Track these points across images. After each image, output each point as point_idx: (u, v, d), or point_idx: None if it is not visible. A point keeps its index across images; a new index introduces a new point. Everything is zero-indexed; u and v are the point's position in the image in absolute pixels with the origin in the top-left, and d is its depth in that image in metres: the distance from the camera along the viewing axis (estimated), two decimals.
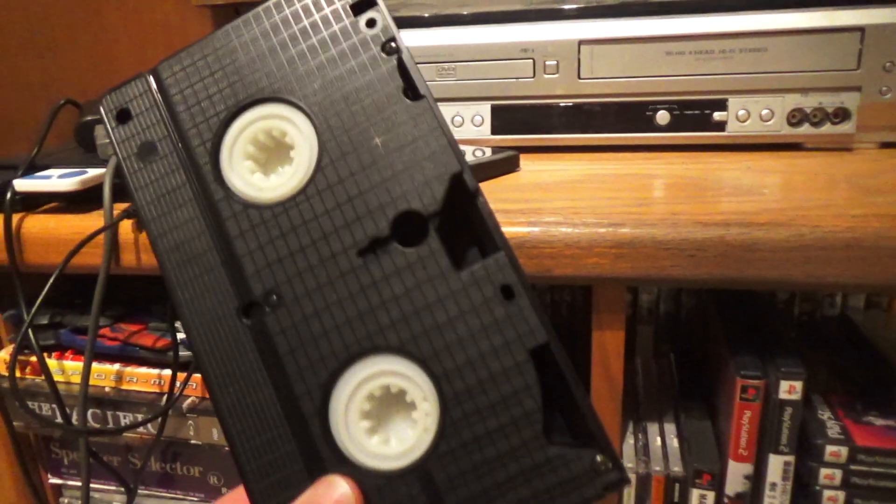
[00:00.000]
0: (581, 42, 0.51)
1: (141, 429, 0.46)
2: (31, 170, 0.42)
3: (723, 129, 0.50)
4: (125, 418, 0.46)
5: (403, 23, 0.55)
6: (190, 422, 0.45)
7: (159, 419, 0.44)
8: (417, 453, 0.21)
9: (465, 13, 0.55)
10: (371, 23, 0.23)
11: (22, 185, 0.40)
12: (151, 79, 0.24)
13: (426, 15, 0.55)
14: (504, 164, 0.48)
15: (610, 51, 0.50)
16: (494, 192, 0.43)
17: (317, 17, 0.23)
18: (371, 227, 0.22)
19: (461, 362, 0.21)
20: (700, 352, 0.52)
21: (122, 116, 0.24)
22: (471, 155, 0.49)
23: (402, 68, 0.23)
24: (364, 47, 0.23)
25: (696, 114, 0.51)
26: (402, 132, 0.22)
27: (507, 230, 0.37)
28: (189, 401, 0.45)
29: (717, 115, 0.50)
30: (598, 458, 0.20)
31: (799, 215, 0.35)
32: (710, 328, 0.49)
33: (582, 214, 0.37)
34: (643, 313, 0.54)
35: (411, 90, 0.22)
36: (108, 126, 0.24)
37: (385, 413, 0.22)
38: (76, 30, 0.54)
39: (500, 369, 0.20)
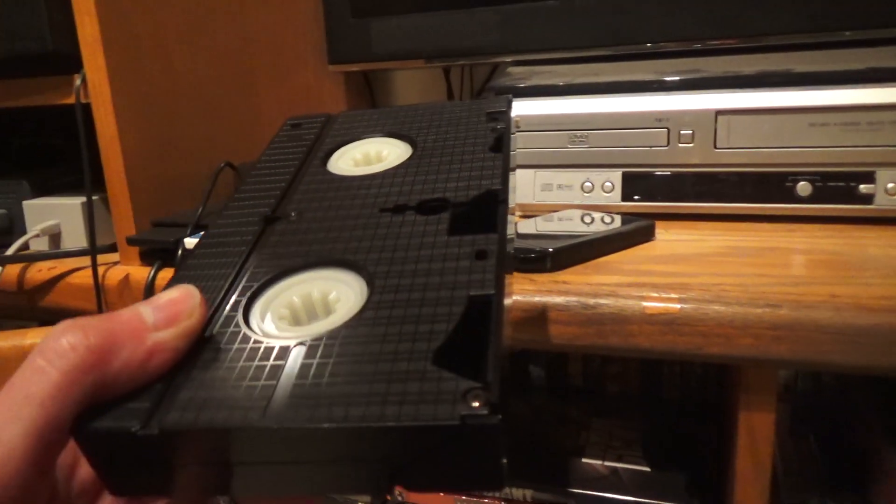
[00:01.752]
0: (718, 112, 0.50)
1: None
2: (198, 228, 0.46)
3: (870, 202, 0.49)
4: None
5: (536, 91, 0.57)
6: None
7: None
8: (304, 335, 0.22)
9: (598, 82, 0.56)
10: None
11: (191, 242, 0.44)
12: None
13: (560, 84, 0.56)
14: (639, 234, 0.48)
15: (748, 121, 0.50)
16: (633, 264, 0.43)
17: None
18: (403, 200, 0.27)
19: (404, 285, 0.22)
20: (846, 436, 0.49)
21: (295, 126, 0.36)
22: (600, 222, 0.49)
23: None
24: None
25: (840, 185, 0.49)
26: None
27: (657, 305, 0.36)
28: None
29: (864, 188, 0.49)
30: (473, 389, 0.18)
31: None
32: (859, 413, 0.47)
33: (733, 292, 0.36)
34: (780, 390, 0.52)
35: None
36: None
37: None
38: (233, 97, 0.58)
39: (435, 297, 0.21)
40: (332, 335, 0.21)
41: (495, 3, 0.64)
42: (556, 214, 0.53)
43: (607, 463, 0.50)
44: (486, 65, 0.82)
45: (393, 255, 0.24)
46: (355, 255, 0.24)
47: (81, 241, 0.54)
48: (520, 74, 0.62)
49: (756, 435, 0.39)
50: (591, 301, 0.38)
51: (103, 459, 0.20)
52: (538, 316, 0.38)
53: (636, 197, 0.54)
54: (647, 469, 0.49)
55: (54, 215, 0.54)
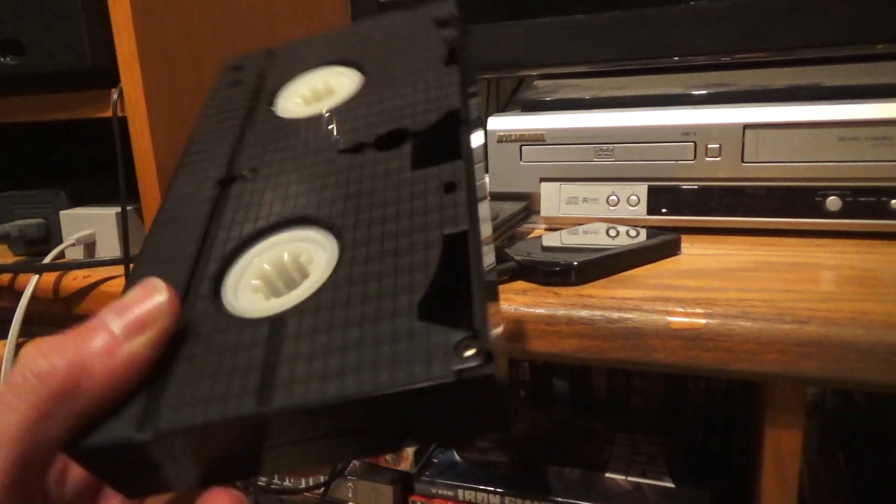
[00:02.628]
0: (746, 126, 0.50)
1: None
2: None
3: None
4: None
5: (562, 105, 0.57)
6: (350, 484, 0.47)
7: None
8: (282, 307, 0.20)
9: (624, 95, 0.56)
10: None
11: None
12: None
13: (586, 97, 0.57)
14: (665, 248, 0.48)
15: (777, 135, 0.50)
16: (659, 278, 0.43)
17: None
18: (360, 137, 0.25)
19: (375, 235, 0.21)
20: (877, 454, 0.48)
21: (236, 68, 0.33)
22: (626, 236, 0.49)
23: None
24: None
25: (871, 201, 0.48)
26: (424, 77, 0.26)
27: (682, 320, 0.36)
28: (351, 464, 0.47)
29: (895, 203, 0.48)
30: (463, 340, 0.17)
31: None
32: (889, 432, 0.46)
33: (760, 308, 0.36)
34: (808, 407, 0.51)
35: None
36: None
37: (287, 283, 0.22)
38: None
39: (409, 244, 0.20)
40: (311, 304, 0.20)
41: (521, 17, 0.64)
42: (581, 227, 0.53)
43: (631, 478, 0.50)
44: (512, 78, 0.82)
45: (359, 202, 0.22)
46: (319, 210, 0.23)
47: (115, 251, 0.55)
48: (546, 88, 0.63)
49: (783, 452, 0.38)
50: (616, 315, 0.38)
51: (107, 471, 0.20)
52: (562, 329, 0.38)
53: (662, 210, 0.54)
54: (671, 485, 0.49)
55: (90, 225, 0.56)
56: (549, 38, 0.64)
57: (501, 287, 0.43)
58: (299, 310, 0.20)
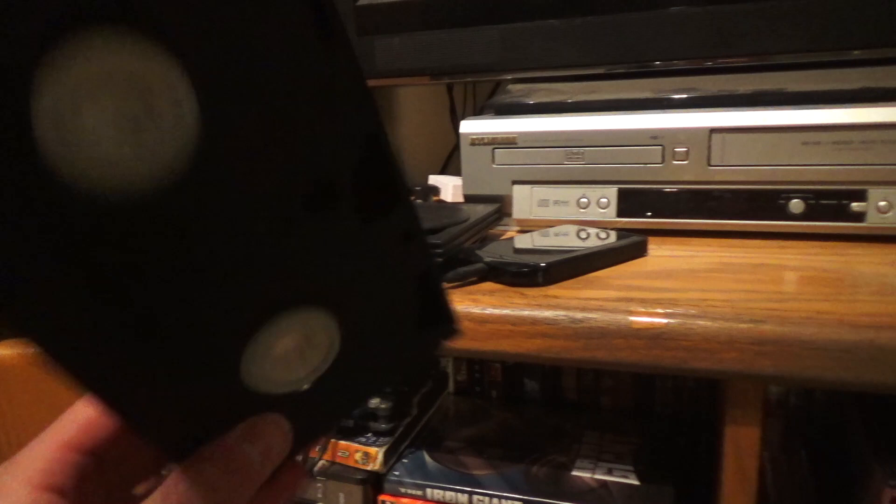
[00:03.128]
0: (713, 130, 0.51)
1: None
2: None
3: (861, 220, 0.49)
4: None
5: (534, 109, 0.58)
6: (319, 484, 0.47)
7: None
8: (317, 371, 0.22)
9: (595, 100, 0.57)
10: None
11: None
12: None
13: (558, 101, 0.57)
14: (632, 250, 0.49)
15: (742, 139, 0.51)
16: (624, 279, 0.44)
17: None
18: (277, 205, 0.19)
19: (363, 301, 0.22)
20: (837, 451, 0.49)
21: None
22: (595, 238, 0.50)
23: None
24: None
25: (832, 203, 0.50)
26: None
27: (643, 320, 0.37)
28: (320, 463, 0.47)
29: (856, 206, 0.49)
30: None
31: None
32: (849, 428, 0.47)
33: (720, 308, 0.37)
34: (772, 406, 0.52)
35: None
36: None
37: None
38: None
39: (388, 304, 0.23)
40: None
41: (497, 21, 0.65)
42: (552, 229, 0.54)
43: (597, 476, 0.51)
44: (489, 81, 0.83)
45: (333, 279, 0.21)
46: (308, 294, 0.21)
47: None
48: (520, 91, 0.63)
49: (742, 449, 0.39)
50: (580, 315, 0.38)
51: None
52: (528, 330, 0.39)
53: (631, 213, 0.55)
54: (637, 482, 0.50)
55: None
56: (523, 43, 0.64)
57: (470, 288, 0.43)
58: (335, 366, 0.23)
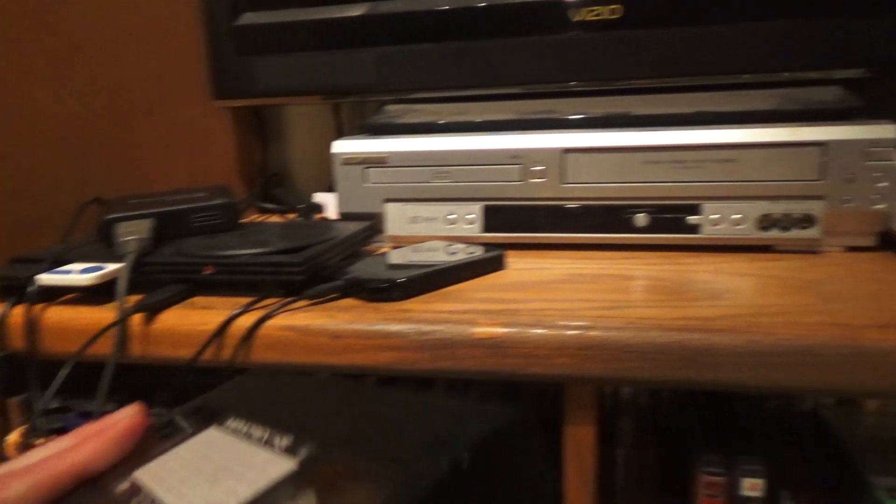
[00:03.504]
0: (566, 150, 0.55)
1: None
2: (55, 264, 0.47)
3: (697, 232, 0.54)
4: None
5: (405, 129, 0.60)
6: None
7: None
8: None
9: (461, 121, 0.59)
10: None
11: (44, 279, 0.44)
12: None
13: (427, 122, 0.60)
14: (490, 263, 0.51)
15: (592, 159, 0.55)
16: (478, 292, 0.46)
17: None
18: None
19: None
20: (681, 445, 0.53)
21: None
22: (464, 252, 0.53)
23: None
24: None
25: (671, 217, 0.54)
26: None
27: (484, 330, 0.40)
28: None
29: (692, 219, 0.54)
30: None
31: (756, 322, 0.38)
32: (688, 422, 0.51)
33: (554, 316, 0.40)
34: (623, 405, 0.56)
35: None
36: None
37: None
38: (106, 132, 0.59)
39: None
40: None
41: (374, 44, 0.67)
42: (424, 245, 0.56)
43: None
44: (375, 101, 0.85)
45: None
46: None
47: None
48: (395, 112, 0.66)
49: (581, 447, 0.42)
50: (427, 328, 0.40)
51: None
52: (379, 343, 0.41)
53: (496, 228, 0.58)
54: None
55: None
56: (399, 66, 0.67)
57: (330, 305, 0.45)
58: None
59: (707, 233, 0.54)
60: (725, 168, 0.52)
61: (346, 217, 0.60)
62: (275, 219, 0.76)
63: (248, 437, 0.24)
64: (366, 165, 0.59)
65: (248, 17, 0.68)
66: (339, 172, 0.59)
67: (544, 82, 0.64)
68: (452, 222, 0.58)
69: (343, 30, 0.68)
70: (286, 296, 0.45)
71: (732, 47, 0.59)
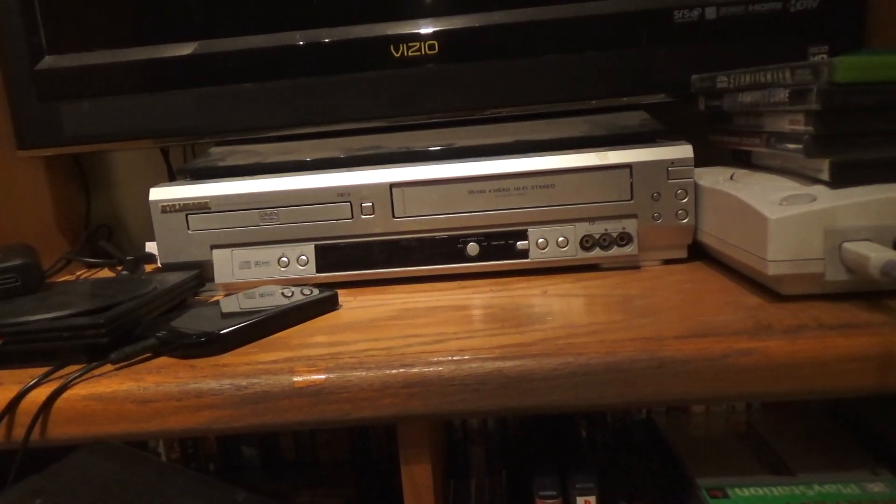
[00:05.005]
0: (392, 185, 0.55)
1: None
2: None
3: (526, 257, 0.55)
4: None
5: (227, 172, 0.58)
6: None
7: None
8: None
9: (287, 161, 0.58)
10: None
11: None
12: None
13: (251, 163, 0.58)
14: (322, 305, 0.50)
15: (420, 191, 0.55)
16: (304, 337, 0.45)
17: None
18: None
19: None
20: (526, 469, 0.54)
21: None
22: (300, 294, 0.51)
23: None
24: None
25: (501, 244, 0.55)
26: None
27: (304, 378, 0.38)
28: None
29: (520, 245, 0.55)
30: None
31: (570, 343, 0.39)
32: (532, 444, 0.52)
33: (378, 356, 0.39)
34: (474, 434, 0.56)
35: None
36: None
37: None
38: None
39: None
40: None
41: (191, 85, 0.64)
42: (258, 290, 0.54)
43: None
44: (208, 143, 0.82)
45: None
46: None
47: None
48: (218, 155, 0.63)
49: (417, 485, 0.41)
50: (244, 382, 0.38)
51: None
52: (194, 403, 0.38)
53: (330, 268, 0.56)
54: None
55: None
56: (218, 106, 0.65)
57: (139, 366, 0.41)
58: None
59: (535, 256, 0.55)
60: (545, 193, 0.54)
61: (168, 267, 0.57)
62: (105, 273, 0.71)
63: None
64: (187, 212, 0.56)
65: (49, 62, 0.64)
66: (159, 221, 0.56)
67: (369, 118, 0.65)
68: (285, 265, 0.56)
69: (158, 71, 0.65)
70: (90, 361, 0.41)
71: (544, 78, 0.62)
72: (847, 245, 0.40)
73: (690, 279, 0.52)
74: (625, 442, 0.54)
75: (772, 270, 0.42)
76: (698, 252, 0.57)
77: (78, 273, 0.73)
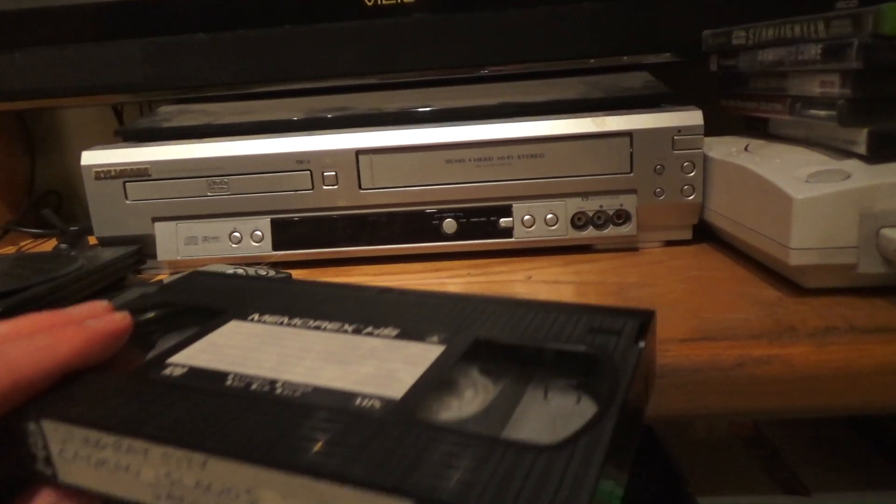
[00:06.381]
0: (358, 152, 0.48)
1: None
2: None
3: (510, 236, 0.49)
4: None
5: (172, 134, 0.51)
6: None
7: None
8: None
9: (241, 122, 0.51)
10: None
11: None
12: None
13: (199, 124, 0.51)
14: None
15: (389, 160, 0.48)
16: None
17: None
18: None
19: None
20: None
21: None
22: (254, 274, 0.44)
23: None
24: None
25: (482, 221, 0.49)
26: None
27: None
28: None
29: (504, 222, 0.49)
30: None
31: None
32: None
33: None
34: None
35: None
36: None
37: None
38: None
39: None
40: None
41: (138, 35, 0.57)
42: (207, 268, 0.47)
43: None
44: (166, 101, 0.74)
45: None
46: None
47: None
48: (166, 114, 0.56)
49: None
50: None
51: None
52: None
53: (288, 245, 0.50)
54: None
55: None
56: (169, 60, 0.57)
57: None
58: None
59: (520, 236, 0.49)
60: (533, 164, 0.48)
61: (107, 243, 0.50)
62: (45, 247, 0.64)
63: (315, 328, 0.26)
64: (124, 179, 0.49)
65: None
66: (93, 189, 0.49)
67: (338, 76, 0.57)
68: (237, 241, 0.50)
69: (102, 17, 0.57)
70: None
71: (535, 32, 0.55)
72: (886, 232, 0.34)
73: (696, 265, 0.45)
74: None
75: (794, 260, 0.36)
76: (703, 232, 0.50)
77: (21, 244, 0.66)
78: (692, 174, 0.47)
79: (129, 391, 0.22)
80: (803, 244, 0.35)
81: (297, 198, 0.49)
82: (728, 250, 0.47)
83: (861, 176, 0.35)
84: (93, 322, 0.23)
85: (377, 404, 0.20)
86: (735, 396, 0.31)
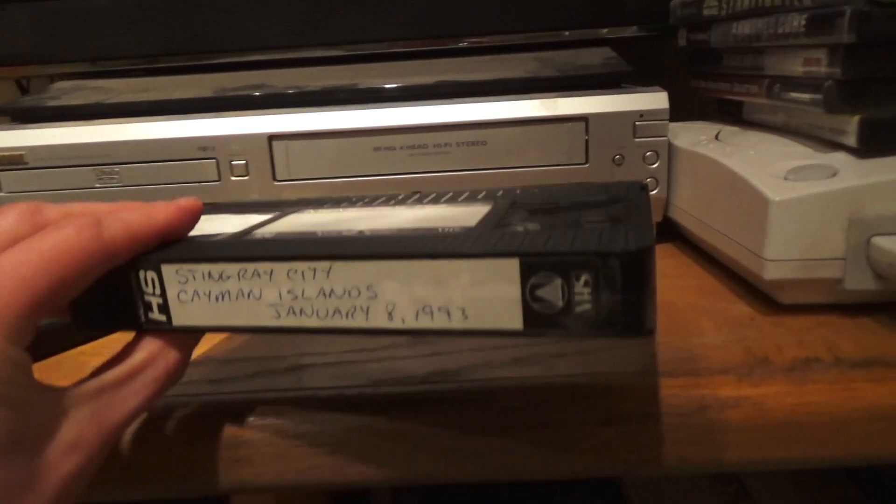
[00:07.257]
0: (272, 137, 0.41)
1: None
2: None
3: None
4: None
5: (51, 114, 0.44)
6: None
7: None
8: None
9: (138, 101, 0.44)
10: None
11: None
12: None
13: (88, 104, 0.44)
14: None
15: (308, 147, 0.41)
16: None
17: None
18: None
19: None
20: None
21: None
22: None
23: None
24: None
25: None
26: None
27: None
28: None
29: None
30: None
31: (485, 387, 0.27)
32: None
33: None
34: None
35: None
36: None
37: None
38: None
39: None
40: None
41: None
42: None
43: None
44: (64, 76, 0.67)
45: None
46: None
47: None
48: (56, 92, 0.48)
49: None
50: None
51: None
52: None
53: None
54: None
55: None
56: (63, 27, 0.50)
57: None
58: None
59: None
60: (475, 152, 0.41)
61: None
62: None
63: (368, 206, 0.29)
64: None
65: None
66: None
67: (257, 49, 0.50)
68: None
69: None
70: None
71: (483, 2, 0.48)
72: (878, 241, 0.28)
73: (658, 271, 0.39)
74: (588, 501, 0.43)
75: (770, 273, 0.30)
76: (667, 231, 0.44)
77: None
78: (655, 165, 0.41)
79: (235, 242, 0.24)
80: (781, 255, 0.30)
81: (200, 190, 0.42)
82: (696, 253, 0.41)
83: (850, 173, 0.29)
84: (177, 200, 0.25)
85: (458, 231, 0.22)
86: (696, 448, 0.25)
